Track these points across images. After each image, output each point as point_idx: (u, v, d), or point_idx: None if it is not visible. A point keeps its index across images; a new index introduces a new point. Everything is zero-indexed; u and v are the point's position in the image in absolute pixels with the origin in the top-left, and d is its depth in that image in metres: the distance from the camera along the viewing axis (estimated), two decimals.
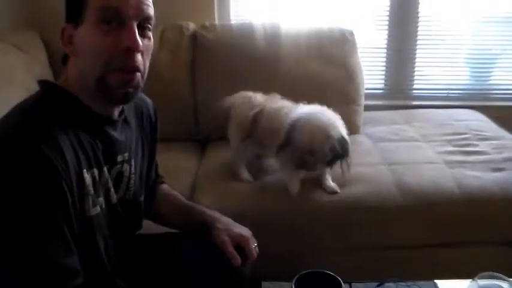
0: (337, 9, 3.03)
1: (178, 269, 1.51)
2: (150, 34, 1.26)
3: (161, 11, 3.02)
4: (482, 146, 2.43)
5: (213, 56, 2.69)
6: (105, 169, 1.30)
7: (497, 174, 2.18)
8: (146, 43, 1.23)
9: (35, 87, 1.27)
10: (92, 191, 1.23)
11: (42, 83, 1.27)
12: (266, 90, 2.55)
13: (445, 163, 2.28)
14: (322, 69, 2.65)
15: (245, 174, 2.24)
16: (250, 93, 2.29)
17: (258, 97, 2.27)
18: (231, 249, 1.50)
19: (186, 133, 2.71)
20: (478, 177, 2.16)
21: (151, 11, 1.23)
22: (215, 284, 1.52)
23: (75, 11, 1.20)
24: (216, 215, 1.62)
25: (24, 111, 1.19)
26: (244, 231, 1.57)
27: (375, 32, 3.13)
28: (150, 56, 1.28)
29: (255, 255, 1.54)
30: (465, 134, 2.56)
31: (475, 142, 2.48)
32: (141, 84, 1.27)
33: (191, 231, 1.60)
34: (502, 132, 2.60)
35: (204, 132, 2.70)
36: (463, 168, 2.23)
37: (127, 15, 1.17)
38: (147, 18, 1.22)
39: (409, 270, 1.80)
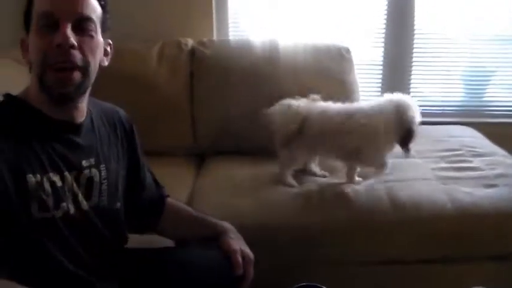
0: (334, 26, 3.07)
1: (175, 280, 1.52)
2: (93, 34, 1.31)
3: (160, 27, 3.10)
4: (476, 162, 2.44)
5: (211, 72, 2.72)
6: (66, 174, 1.31)
7: (490, 190, 2.20)
8: (87, 40, 1.29)
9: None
10: (44, 196, 1.24)
11: (3, 94, 1.33)
12: (263, 105, 2.59)
13: (438, 179, 2.29)
14: (319, 85, 2.65)
15: (290, 179, 2.28)
16: (290, 101, 2.33)
17: (300, 103, 2.31)
18: (239, 258, 1.53)
19: (184, 148, 2.74)
20: (470, 193, 2.18)
21: (88, 11, 1.29)
22: None
23: (26, 22, 1.30)
24: (229, 226, 1.67)
25: None
26: (251, 254, 1.60)
27: (371, 48, 3.17)
28: (97, 54, 1.33)
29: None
30: (459, 150, 2.58)
31: (468, 158, 2.49)
32: (85, 82, 1.31)
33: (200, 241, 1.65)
34: (495, 148, 2.63)
35: (202, 147, 2.72)
36: (456, 184, 2.25)
37: (59, 17, 1.24)
38: (83, 18, 1.28)
39: (402, 286, 1.82)
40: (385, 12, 3.08)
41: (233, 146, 2.68)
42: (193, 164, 2.65)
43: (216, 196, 2.20)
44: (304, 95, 2.57)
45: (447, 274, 2.10)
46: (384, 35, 3.11)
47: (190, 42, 2.81)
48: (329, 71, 2.72)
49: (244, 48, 2.77)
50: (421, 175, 2.34)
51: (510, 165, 2.44)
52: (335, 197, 2.18)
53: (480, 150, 2.56)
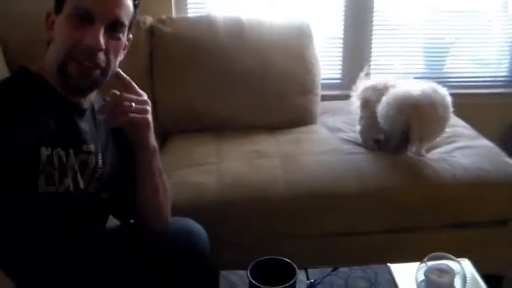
0: (294, 2, 3.06)
1: (138, 260, 1.53)
2: (121, 36, 1.36)
3: None
4: None
5: (170, 50, 2.68)
6: (71, 152, 1.34)
7: (449, 161, 2.24)
8: (113, 43, 1.33)
9: None
10: (51, 170, 1.27)
11: (18, 68, 1.37)
12: (225, 82, 2.59)
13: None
14: (280, 60, 2.67)
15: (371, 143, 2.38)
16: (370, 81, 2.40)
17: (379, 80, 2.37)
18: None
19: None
20: (431, 164, 2.22)
21: (123, 16, 1.34)
22: (176, 274, 1.55)
23: (58, 1, 1.32)
24: None
25: None
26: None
27: (331, 23, 3.16)
28: (118, 55, 1.38)
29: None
30: None
31: None
32: (101, 80, 1.35)
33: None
34: (455, 119, 2.66)
35: (164, 126, 2.70)
36: (418, 156, 2.29)
37: (96, 16, 1.28)
38: (117, 22, 1.33)
39: (364, 256, 1.85)
40: None
41: (195, 124, 2.67)
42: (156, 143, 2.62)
43: (178, 175, 2.18)
44: (265, 70, 2.59)
45: (408, 243, 2.13)
46: (343, 9, 3.11)
47: (149, 20, 2.77)
48: (289, 46, 2.71)
49: (205, 25, 2.74)
50: None
51: (469, 136, 2.49)
52: (300, 169, 2.20)
53: None
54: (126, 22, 1.37)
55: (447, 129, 2.30)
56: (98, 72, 1.33)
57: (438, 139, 2.34)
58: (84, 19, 1.28)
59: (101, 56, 1.31)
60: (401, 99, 2.19)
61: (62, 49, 1.30)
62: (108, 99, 1.36)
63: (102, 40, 1.28)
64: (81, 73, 1.30)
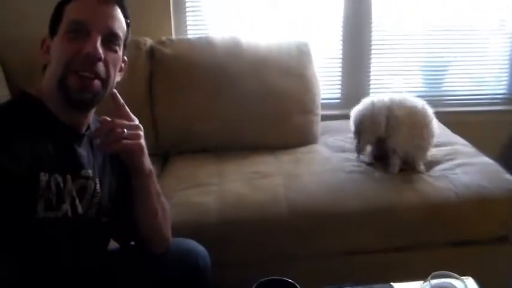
0: (293, 22, 3.08)
1: (139, 282, 1.53)
2: (117, 49, 1.38)
3: None
4: (436, 151, 2.47)
5: (170, 71, 2.70)
6: (68, 177, 1.34)
7: (450, 179, 2.24)
8: (111, 55, 1.36)
9: None
10: (50, 196, 1.27)
11: (19, 91, 1.38)
12: (225, 103, 2.59)
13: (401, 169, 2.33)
14: (280, 80, 2.68)
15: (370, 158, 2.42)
16: (372, 99, 2.40)
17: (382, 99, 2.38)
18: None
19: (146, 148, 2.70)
20: (433, 182, 2.22)
21: (117, 28, 1.37)
22: (179, 285, 1.56)
23: (53, 25, 1.36)
24: None
25: None
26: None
27: (330, 42, 3.18)
28: (116, 69, 1.40)
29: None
30: None
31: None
32: (102, 92, 1.36)
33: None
34: (455, 137, 2.67)
35: (164, 147, 2.70)
36: (418, 174, 2.29)
37: (92, 28, 1.31)
38: (112, 34, 1.35)
39: (366, 275, 1.83)
40: (343, 6, 3.10)
41: (196, 145, 2.67)
42: (156, 164, 2.61)
43: (180, 195, 2.18)
44: (265, 91, 2.60)
45: (410, 262, 2.11)
46: (342, 28, 3.13)
47: (149, 41, 2.79)
48: (289, 65, 2.72)
49: (205, 46, 2.76)
50: None
51: (469, 153, 2.49)
52: (301, 188, 2.20)
53: (440, 139, 2.58)
54: (121, 35, 1.39)
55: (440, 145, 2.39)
56: (98, 83, 1.33)
57: (430, 153, 2.39)
58: (80, 33, 1.31)
59: (100, 66, 1.33)
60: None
61: (60, 64, 1.31)
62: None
63: (100, 49, 1.31)
64: (82, 85, 1.31)
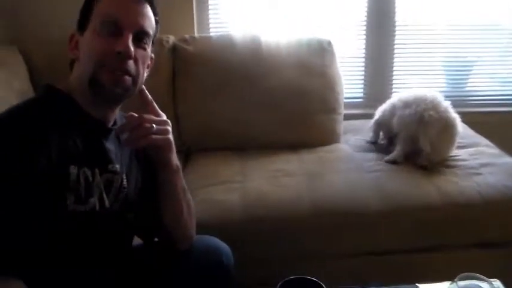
0: (315, 20, 3.07)
1: (163, 278, 1.53)
2: (147, 46, 1.39)
3: None
4: (460, 152, 2.47)
5: (193, 68, 2.70)
6: (97, 171, 1.35)
7: (475, 179, 2.22)
8: (141, 52, 1.36)
9: (15, 102, 1.36)
10: (79, 189, 1.28)
11: (45, 86, 1.38)
12: (247, 100, 2.59)
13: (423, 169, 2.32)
14: (302, 79, 2.67)
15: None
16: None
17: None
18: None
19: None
20: (456, 182, 2.21)
21: (148, 26, 1.37)
22: (202, 282, 1.55)
23: (83, 20, 1.36)
24: None
25: (16, 106, 1.31)
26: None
27: (353, 41, 3.17)
28: (146, 66, 1.41)
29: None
30: None
31: None
32: (132, 89, 1.37)
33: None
34: (479, 138, 2.65)
35: (186, 144, 2.71)
36: (441, 174, 2.28)
37: (123, 26, 1.32)
38: (143, 32, 1.36)
39: (391, 275, 1.82)
40: (366, 4, 3.08)
41: (218, 142, 2.68)
42: (179, 161, 2.63)
43: (203, 193, 2.19)
44: (287, 89, 2.59)
45: (435, 263, 2.10)
46: (365, 27, 3.12)
47: (171, 39, 2.80)
48: (311, 64, 2.71)
49: (227, 44, 2.76)
50: None
51: (493, 154, 2.47)
52: (324, 187, 2.19)
53: (464, 140, 2.57)
54: (151, 32, 1.39)
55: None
56: (129, 79, 1.34)
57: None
58: (112, 31, 1.31)
59: (131, 64, 1.33)
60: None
61: (92, 61, 1.32)
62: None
63: (132, 47, 1.32)
64: (115, 80, 1.32)
